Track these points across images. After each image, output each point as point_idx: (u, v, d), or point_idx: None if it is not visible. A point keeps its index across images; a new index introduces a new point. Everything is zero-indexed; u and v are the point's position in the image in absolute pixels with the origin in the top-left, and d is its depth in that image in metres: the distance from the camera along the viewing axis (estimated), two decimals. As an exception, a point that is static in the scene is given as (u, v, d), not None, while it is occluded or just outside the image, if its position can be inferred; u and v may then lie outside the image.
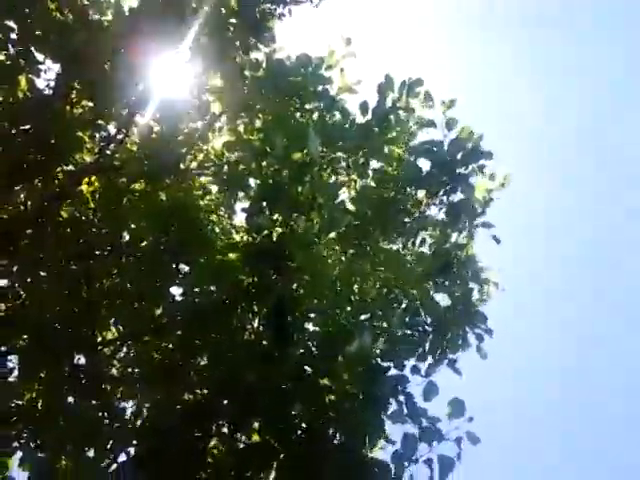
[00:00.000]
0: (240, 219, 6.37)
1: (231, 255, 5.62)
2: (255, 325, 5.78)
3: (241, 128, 6.71)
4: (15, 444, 5.11)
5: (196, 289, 5.75)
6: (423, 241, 6.14)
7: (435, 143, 5.44)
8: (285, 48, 7.07)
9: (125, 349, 5.75)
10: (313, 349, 5.55)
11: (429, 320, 5.88)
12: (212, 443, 5.67)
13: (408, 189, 5.61)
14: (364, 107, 6.41)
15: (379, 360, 5.58)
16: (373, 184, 6.31)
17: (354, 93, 7.54)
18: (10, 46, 5.35)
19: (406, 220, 5.62)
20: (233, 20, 5.80)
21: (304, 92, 6.76)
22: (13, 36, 5.36)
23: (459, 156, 5.31)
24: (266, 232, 5.50)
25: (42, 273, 5.51)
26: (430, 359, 5.71)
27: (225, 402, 5.46)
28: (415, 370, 5.24)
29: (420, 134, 6.26)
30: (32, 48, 5.27)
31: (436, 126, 5.57)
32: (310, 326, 5.70)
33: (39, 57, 5.32)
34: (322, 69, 7.15)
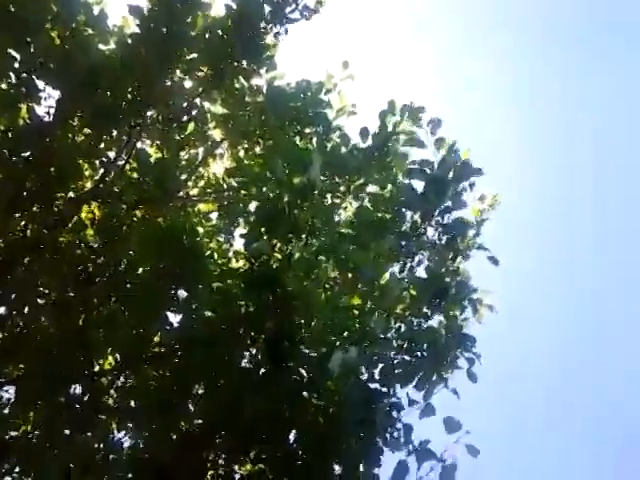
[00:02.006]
0: (239, 245, 6.37)
1: (229, 282, 5.58)
2: (253, 352, 5.70)
3: (241, 154, 6.74)
4: (8, 477, 5.02)
5: (194, 316, 5.70)
6: (419, 263, 6.08)
7: (427, 163, 5.42)
8: (285, 75, 7.14)
9: (122, 378, 5.66)
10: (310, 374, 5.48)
11: (425, 345, 5.79)
12: (209, 474, 5.56)
13: (404, 211, 5.58)
14: (365, 133, 6.43)
15: (376, 386, 5.49)
16: (369, 206, 6.29)
17: (353, 115, 7.58)
18: (12, 74, 5.42)
19: (403, 243, 5.57)
20: (232, 41, 5.84)
21: (303, 117, 6.80)
22: (15, 65, 5.44)
23: (450, 175, 5.29)
24: (264, 258, 5.47)
25: (40, 301, 5.47)
26: (427, 385, 5.60)
27: (222, 432, 5.37)
28: (412, 403, 5.15)
29: (411, 154, 6.26)
30: (33, 76, 5.33)
31: (425, 146, 5.57)
32: (306, 351, 5.63)
33: (40, 85, 5.39)
34: (321, 93, 7.19)
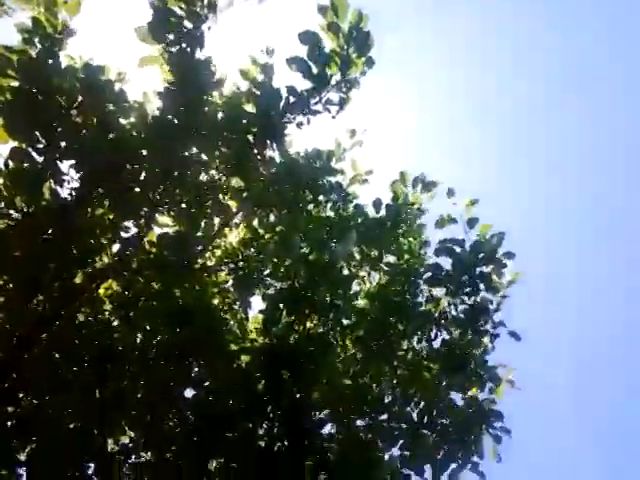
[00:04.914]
0: (255, 315, 6.35)
1: (246, 358, 5.56)
2: (269, 430, 5.64)
3: (256, 223, 6.79)
4: None
5: (209, 392, 5.66)
6: (437, 336, 6.05)
7: (456, 241, 5.45)
8: (294, 142, 7.25)
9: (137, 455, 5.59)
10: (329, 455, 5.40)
11: (447, 421, 5.72)
12: None
13: (426, 287, 5.60)
14: (378, 204, 6.52)
15: (398, 466, 5.42)
16: (386, 278, 6.30)
17: (365, 184, 7.68)
18: (36, 154, 5.53)
19: (424, 320, 5.57)
20: (253, 129, 5.98)
21: (316, 186, 6.89)
22: (39, 145, 5.55)
23: (480, 256, 5.32)
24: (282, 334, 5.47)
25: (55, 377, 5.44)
26: (452, 464, 5.51)
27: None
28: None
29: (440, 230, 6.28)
30: (57, 160, 5.44)
31: (457, 222, 5.62)
32: (326, 430, 5.57)
33: (63, 166, 5.50)
34: (332, 161, 7.31)
